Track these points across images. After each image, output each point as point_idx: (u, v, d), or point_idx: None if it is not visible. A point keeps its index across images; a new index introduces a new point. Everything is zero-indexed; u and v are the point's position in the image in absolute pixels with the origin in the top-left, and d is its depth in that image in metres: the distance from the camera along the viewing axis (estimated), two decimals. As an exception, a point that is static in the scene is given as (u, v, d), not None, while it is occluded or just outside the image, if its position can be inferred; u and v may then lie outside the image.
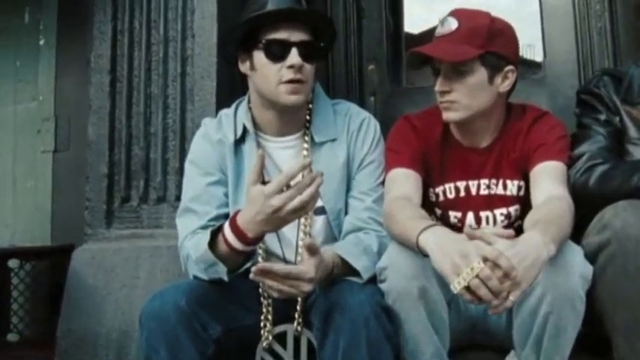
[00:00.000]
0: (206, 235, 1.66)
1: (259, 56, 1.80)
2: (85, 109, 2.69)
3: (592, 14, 2.69)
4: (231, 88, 2.45)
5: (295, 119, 1.89)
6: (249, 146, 1.88)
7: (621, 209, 1.54)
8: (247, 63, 1.85)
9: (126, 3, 2.65)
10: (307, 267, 1.54)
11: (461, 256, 1.38)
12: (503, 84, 1.83)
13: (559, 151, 1.78)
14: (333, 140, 1.90)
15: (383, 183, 1.87)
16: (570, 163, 1.77)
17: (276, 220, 1.57)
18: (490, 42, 1.79)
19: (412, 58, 1.87)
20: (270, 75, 1.79)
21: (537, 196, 1.71)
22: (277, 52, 1.78)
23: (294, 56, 1.77)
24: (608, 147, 1.78)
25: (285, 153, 1.89)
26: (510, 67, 1.83)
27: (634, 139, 1.77)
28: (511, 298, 1.37)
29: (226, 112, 1.96)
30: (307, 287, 1.54)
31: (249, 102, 1.92)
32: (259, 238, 1.64)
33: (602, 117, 1.82)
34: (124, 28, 2.65)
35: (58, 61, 3.18)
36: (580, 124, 1.88)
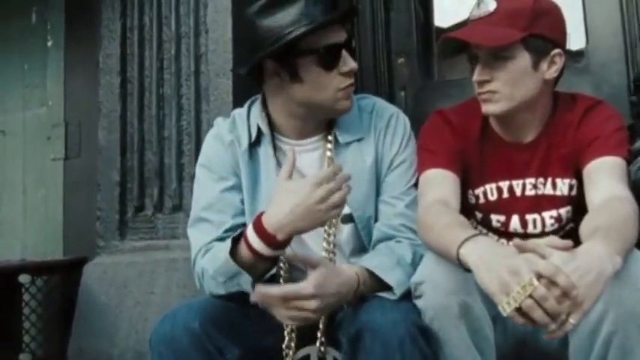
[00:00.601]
0: (226, 244, 1.55)
1: (308, 65, 1.64)
2: (96, 113, 2.61)
3: None
4: (248, 85, 2.29)
5: (321, 121, 1.76)
6: (264, 150, 1.75)
7: None
8: (283, 75, 1.66)
9: None
10: (306, 282, 1.42)
11: (510, 272, 1.21)
12: (549, 70, 1.66)
13: (617, 145, 1.60)
14: (360, 140, 1.76)
15: (416, 185, 1.73)
16: (630, 159, 1.61)
17: (315, 215, 1.48)
18: (534, 23, 1.62)
19: (445, 45, 1.71)
20: (327, 84, 1.65)
21: (594, 197, 1.53)
22: (331, 59, 1.64)
23: (348, 60, 1.65)
24: None
25: (307, 157, 1.75)
26: (557, 50, 1.66)
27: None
28: (571, 320, 1.19)
29: (239, 112, 1.83)
30: (314, 305, 1.41)
31: (264, 105, 1.78)
32: (288, 241, 1.53)
33: (663, 103, 1.64)
34: (134, 25, 2.57)
35: (67, 63, 3.09)
36: (638, 113, 1.69)
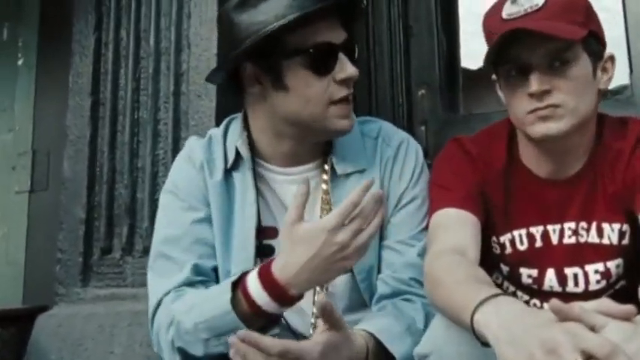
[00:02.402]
0: (222, 290, 1.31)
1: (295, 69, 1.38)
2: (65, 140, 2.39)
3: None
4: (233, 108, 2.04)
5: (314, 146, 1.50)
6: (242, 178, 1.49)
7: None
8: (262, 80, 1.41)
9: (111, 10, 2.40)
10: (312, 345, 1.17)
11: (546, 350, 0.88)
12: (603, 79, 1.41)
13: None
14: (362, 172, 1.50)
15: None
16: None
17: (339, 265, 1.27)
18: (589, 19, 1.38)
19: (493, 50, 1.37)
20: (318, 94, 1.38)
21: None
22: (324, 62, 1.38)
23: (346, 64, 1.38)
24: None
25: (295, 189, 1.46)
26: (610, 53, 1.41)
27: None
28: None
29: (215, 133, 1.58)
30: None
31: (245, 124, 1.53)
32: (300, 297, 1.30)
33: None
34: (109, 40, 2.39)
35: (38, 85, 2.89)
36: None
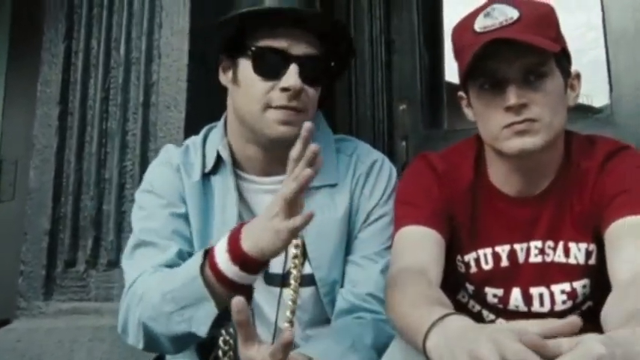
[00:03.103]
0: (194, 259, 1.27)
1: (246, 67, 1.42)
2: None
3: None
4: (202, 120, 2.02)
5: (286, 156, 1.45)
6: (222, 181, 1.49)
7: None
8: (230, 73, 1.48)
9: (82, 19, 2.36)
10: None
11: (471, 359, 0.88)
12: (571, 95, 1.41)
13: None
14: (333, 186, 1.50)
15: None
16: None
17: (275, 225, 1.18)
18: (560, 36, 1.38)
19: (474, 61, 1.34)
20: (256, 95, 1.40)
21: (619, 270, 1.21)
22: (271, 67, 1.40)
23: (292, 75, 1.39)
24: None
25: (268, 198, 1.45)
26: (577, 71, 1.41)
27: None
28: None
29: (193, 140, 1.59)
30: None
31: (225, 127, 1.54)
32: (264, 264, 1.24)
33: None
34: (79, 48, 2.35)
35: (8, 93, 2.85)
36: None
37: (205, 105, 2.02)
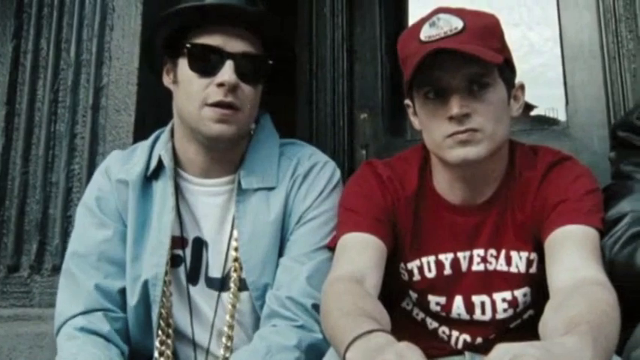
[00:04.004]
0: None
1: (184, 66, 1.44)
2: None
3: (624, 54, 2.40)
4: (152, 124, 2.01)
5: (227, 157, 1.51)
6: (162, 185, 1.50)
7: None
8: (171, 74, 1.49)
9: (32, 18, 2.32)
10: None
11: None
12: (515, 106, 1.42)
13: (588, 211, 1.31)
14: (270, 189, 1.50)
15: (331, 249, 1.43)
16: (605, 229, 1.30)
17: None
18: (504, 47, 1.40)
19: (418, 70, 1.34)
20: (193, 93, 1.41)
21: (558, 278, 1.22)
22: (205, 64, 1.42)
23: (227, 71, 1.40)
24: None
25: (210, 201, 1.51)
26: (521, 82, 1.43)
27: (698, 194, 1.28)
28: None
29: (144, 143, 1.59)
30: None
31: (171, 130, 1.55)
32: None
33: (650, 161, 1.35)
34: (28, 49, 2.31)
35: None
36: (618, 172, 1.41)
37: (155, 109, 2.02)
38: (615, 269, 1.22)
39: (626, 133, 1.41)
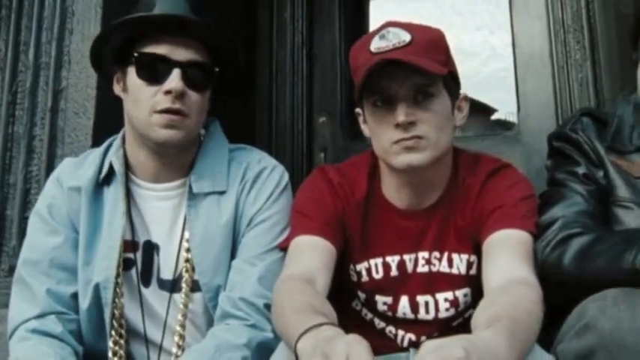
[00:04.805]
0: None
1: (132, 74, 1.49)
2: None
3: (572, 63, 2.55)
4: (111, 126, 2.06)
5: (177, 162, 1.57)
6: (113, 191, 1.55)
7: (610, 302, 1.14)
8: (121, 83, 1.55)
9: None
10: None
11: (323, 357, 0.96)
12: (458, 116, 1.52)
13: (522, 217, 1.41)
14: (221, 193, 1.56)
15: (283, 250, 1.50)
16: (538, 233, 1.39)
17: None
18: (449, 60, 1.49)
19: (367, 79, 1.43)
20: (142, 100, 1.47)
21: (491, 278, 1.32)
22: (153, 72, 1.47)
23: (174, 79, 1.45)
24: (589, 211, 1.40)
25: (161, 205, 1.57)
26: (465, 94, 1.53)
27: (624, 201, 1.39)
28: None
29: (98, 150, 1.64)
30: None
31: (123, 137, 1.61)
32: None
33: (581, 170, 1.45)
34: None
35: None
36: (552, 180, 1.51)
37: (114, 113, 2.03)
38: (545, 270, 1.32)
39: (560, 143, 1.51)
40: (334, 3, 2.98)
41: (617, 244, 1.24)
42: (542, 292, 1.24)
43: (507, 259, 1.33)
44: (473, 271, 1.49)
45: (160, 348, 1.53)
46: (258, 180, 1.57)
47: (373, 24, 3.17)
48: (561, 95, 2.53)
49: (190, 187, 1.53)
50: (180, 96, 1.45)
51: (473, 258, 1.49)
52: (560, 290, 1.30)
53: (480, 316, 1.15)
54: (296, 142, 2.90)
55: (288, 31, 2.99)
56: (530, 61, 2.63)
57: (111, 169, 1.55)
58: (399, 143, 1.41)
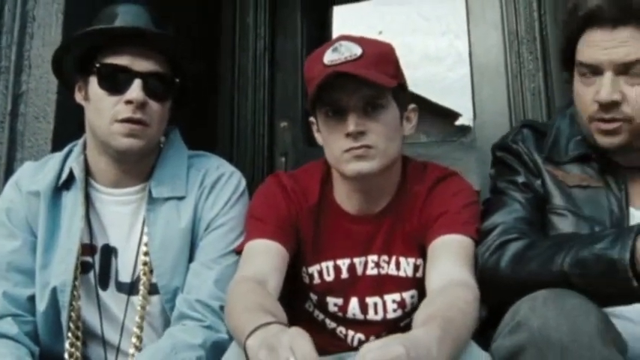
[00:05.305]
0: None
1: (94, 84, 1.54)
2: None
3: (525, 73, 2.63)
4: (71, 131, 2.10)
5: (137, 169, 1.63)
6: (72, 196, 1.60)
7: (540, 303, 1.22)
8: (83, 92, 1.60)
9: None
10: None
11: (268, 349, 1.05)
12: (407, 126, 1.60)
13: (465, 223, 1.50)
14: (181, 198, 1.62)
15: (239, 253, 1.57)
16: (480, 239, 1.49)
17: None
18: (398, 73, 1.57)
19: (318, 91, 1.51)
20: (103, 110, 1.53)
21: (433, 280, 1.41)
22: (115, 82, 1.53)
23: (135, 89, 1.51)
24: (527, 218, 1.49)
25: (120, 209, 1.63)
26: (413, 105, 1.61)
27: (558, 208, 1.49)
28: None
29: (58, 154, 1.69)
30: None
31: (84, 143, 1.66)
32: None
33: (520, 179, 1.55)
34: None
35: None
36: (494, 188, 1.61)
37: (74, 118, 2.07)
38: (484, 274, 1.41)
39: (502, 153, 1.61)
40: (297, 10, 3.03)
41: (549, 249, 1.34)
42: (478, 294, 1.33)
43: (448, 262, 1.42)
44: (419, 274, 1.57)
45: (118, 350, 1.58)
46: (216, 186, 1.63)
47: (337, 31, 3.24)
48: (515, 104, 2.60)
49: (150, 192, 1.59)
50: (141, 106, 1.51)
51: (419, 261, 1.57)
52: (499, 292, 1.38)
53: (418, 315, 1.24)
54: (257, 146, 2.94)
55: (250, 36, 3.03)
56: (486, 70, 2.71)
57: (71, 174, 1.60)
58: (350, 152, 1.49)
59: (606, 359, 1.14)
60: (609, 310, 1.29)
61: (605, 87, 1.39)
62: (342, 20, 3.31)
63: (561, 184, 1.51)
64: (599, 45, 1.41)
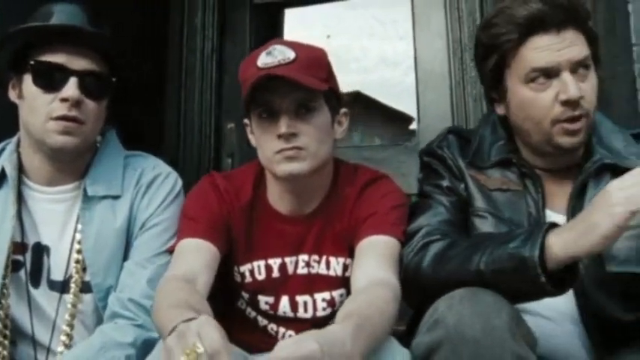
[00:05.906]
0: None
1: (28, 82, 1.56)
2: None
3: (467, 80, 2.70)
4: (6, 129, 2.11)
5: (71, 167, 1.65)
6: (4, 195, 1.61)
7: (457, 301, 1.29)
8: (17, 89, 1.61)
9: None
10: None
11: (178, 336, 1.09)
12: (338, 130, 1.67)
13: (391, 224, 1.57)
14: (116, 197, 1.65)
15: (172, 253, 1.60)
16: (405, 240, 1.55)
17: None
18: (330, 77, 1.63)
19: (252, 93, 1.55)
20: (38, 107, 1.54)
21: (357, 279, 1.47)
22: (50, 80, 1.55)
23: (71, 87, 1.53)
24: (450, 220, 1.57)
25: (53, 207, 1.64)
26: (345, 109, 1.67)
27: (480, 211, 1.57)
28: None
29: None
30: None
31: (18, 141, 1.67)
32: None
33: (445, 183, 1.62)
34: None
35: None
36: (421, 191, 1.68)
37: (8, 118, 2.09)
38: (407, 274, 1.47)
39: (429, 158, 1.68)
40: (246, 12, 3.06)
41: (467, 249, 1.40)
42: (399, 294, 1.39)
43: (373, 262, 1.48)
44: (348, 273, 1.62)
45: (49, 349, 1.59)
46: (152, 186, 1.67)
47: (288, 34, 3.28)
48: (457, 109, 2.68)
49: (85, 191, 1.61)
50: (76, 104, 1.53)
51: (348, 261, 1.63)
52: (421, 292, 1.44)
53: (339, 313, 1.29)
54: (204, 146, 2.97)
55: (198, 37, 3.04)
56: (430, 76, 2.78)
57: (3, 172, 1.62)
58: (281, 153, 1.54)
59: (516, 354, 1.21)
60: (521, 306, 1.37)
61: (572, 84, 1.45)
62: (293, 23, 3.36)
63: (483, 188, 1.58)
64: (550, 48, 1.47)
